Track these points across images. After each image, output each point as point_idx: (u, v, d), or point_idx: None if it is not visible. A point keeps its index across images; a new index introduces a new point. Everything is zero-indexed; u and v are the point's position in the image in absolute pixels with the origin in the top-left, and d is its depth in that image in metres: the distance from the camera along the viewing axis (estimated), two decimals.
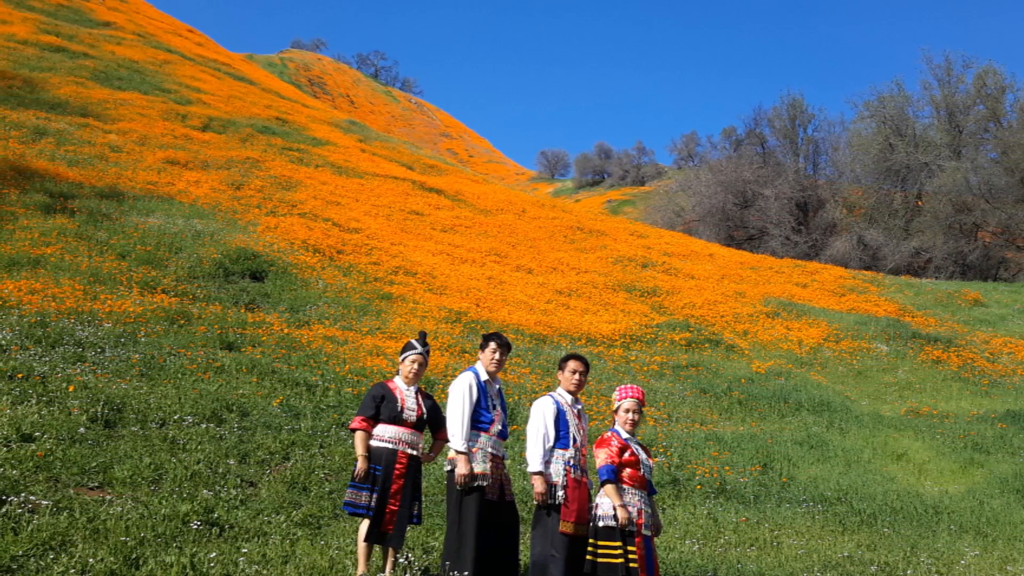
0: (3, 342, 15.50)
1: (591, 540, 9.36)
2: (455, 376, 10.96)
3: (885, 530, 15.33)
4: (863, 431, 22.77)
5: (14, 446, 11.36)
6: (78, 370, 15.15)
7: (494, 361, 10.13)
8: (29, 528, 9.28)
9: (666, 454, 18.48)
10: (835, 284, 48.56)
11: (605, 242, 49.03)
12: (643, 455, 9.78)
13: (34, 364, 14.78)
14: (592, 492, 9.97)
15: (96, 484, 11.07)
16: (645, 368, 26.96)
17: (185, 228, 27.14)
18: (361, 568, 9.61)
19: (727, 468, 18.13)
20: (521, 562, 10.13)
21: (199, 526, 10.28)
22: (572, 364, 10.10)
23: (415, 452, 10.00)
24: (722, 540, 13.94)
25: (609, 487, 9.37)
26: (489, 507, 9.63)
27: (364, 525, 9.67)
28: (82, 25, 60.87)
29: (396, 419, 9.93)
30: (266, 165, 41.16)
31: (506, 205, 53.57)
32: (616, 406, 9.91)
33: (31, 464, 10.91)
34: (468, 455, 9.62)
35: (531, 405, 10.25)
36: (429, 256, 34.58)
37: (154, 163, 35.66)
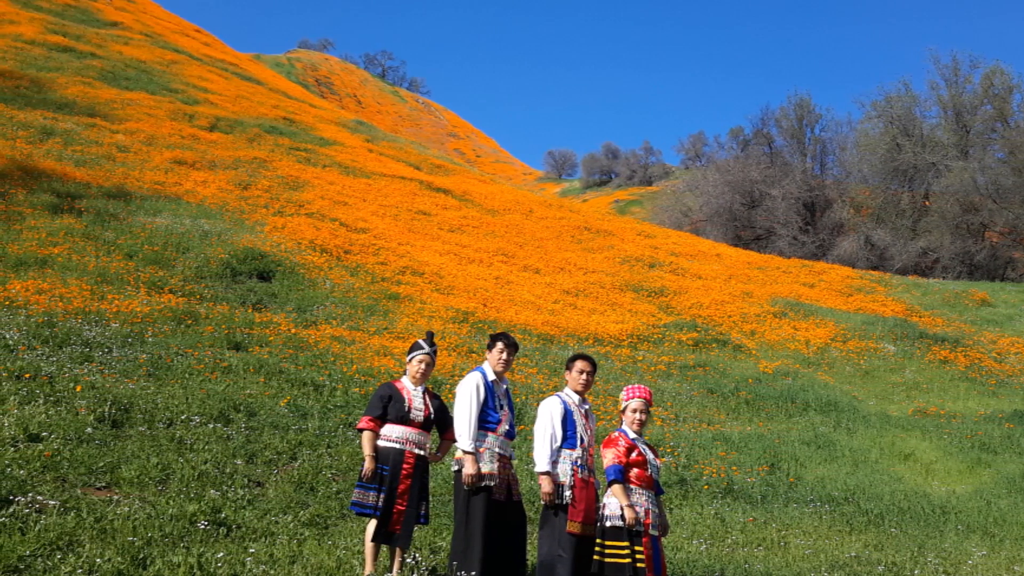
0: (10, 342, 15.50)
1: (598, 540, 9.35)
2: (462, 376, 10.97)
3: (892, 530, 15.31)
4: (870, 431, 22.75)
5: (21, 446, 11.36)
6: (85, 370, 15.15)
7: (501, 361, 10.12)
8: (36, 528, 9.27)
9: (673, 454, 18.48)
10: (842, 284, 48.54)
11: (612, 242, 49.01)
12: (650, 455, 9.77)
13: (41, 364, 14.78)
14: (599, 492, 9.95)
15: (103, 484, 11.07)
16: (652, 368, 26.95)
17: (192, 228, 27.16)
18: (368, 568, 9.60)
19: (734, 468, 18.13)
20: (528, 562, 10.12)
21: (206, 526, 10.27)
22: (579, 364, 10.09)
23: (422, 452, 10.00)
24: (729, 540, 13.93)
25: (616, 487, 9.37)
26: (496, 507, 9.63)
27: (371, 525, 9.66)
28: (89, 25, 60.93)
29: (403, 419, 9.92)
30: (273, 165, 41.18)
31: (513, 205, 53.55)
32: (623, 406, 9.91)
33: (38, 464, 10.92)
34: (475, 455, 9.62)
35: (538, 405, 10.24)
36: (436, 256, 34.58)
37: (161, 163, 35.69)
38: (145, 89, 49.31)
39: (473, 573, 9.22)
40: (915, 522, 15.91)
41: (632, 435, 9.70)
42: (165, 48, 63.48)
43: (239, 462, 12.77)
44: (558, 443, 9.73)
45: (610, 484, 9.43)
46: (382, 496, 9.65)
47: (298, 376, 17.54)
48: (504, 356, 10.13)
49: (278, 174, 39.43)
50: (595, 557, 9.28)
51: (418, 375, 10.19)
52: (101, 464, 11.45)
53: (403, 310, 25.54)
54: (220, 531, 10.30)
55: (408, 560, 9.76)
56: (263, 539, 10.37)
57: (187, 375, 16.15)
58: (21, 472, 10.53)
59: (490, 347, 10.25)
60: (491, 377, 10.08)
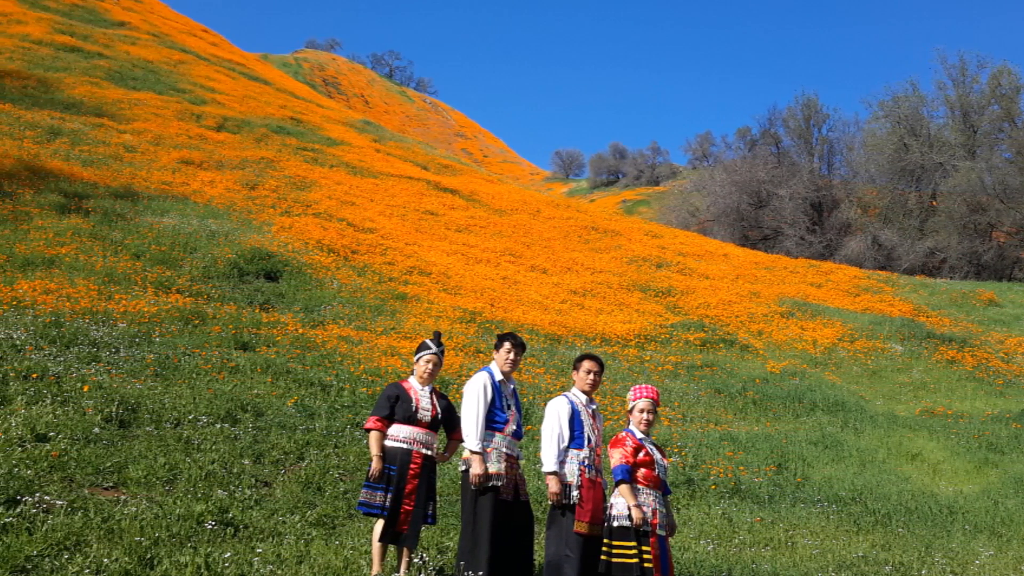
0: (18, 342, 15.52)
1: (605, 540, 9.34)
2: (470, 376, 10.95)
3: (900, 530, 15.30)
4: (878, 431, 22.73)
5: (28, 446, 11.37)
6: (92, 370, 15.17)
7: (508, 361, 10.11)
8: (44, 528, 9.28)
9: (681, 454, 18.46)
10: (850, 284, 48.53)
11: (620, 242, 49.02)
12: (657, 455, 9.77)
13: (49, 364, 14.80)
14: (607, 492, 9.95)
15: (110, 484, 11.08)
16: (660, 368, 26.95)
17: (200, 228, 27.19)
18: (376, 568, 9.60)
19: (742, 468, 18.11)
20: (536, 562, 10.11)
21: (213, 526, 10.28)
22: (586, 364, 10.08)
23: (430, 452, 9.99)
24: (737, 540, 13.92)
25: (624, 487, 9.36)
26: (503, 507, 9.62)
27: (379, 525, 9.66)
28: (97, 25, 61.01)
29: (411, 419, 9.92)
30: (281, 165, 41.22)
31: (521, 205, 53.58)
32: (631, 406, 9.89)
33: (45, 464, 10.92)
34: (482, 455, 9.62)
35: (545, 405, 10.24)
36: (444, 256, 34.59)
37: (169, 163, 35.74)
38: (152, 89, 49.39)
39: (480, 573, 9.21)
40: (922, 522, 15.89)
41: (639, 435, 9.70)
42: (172, 48, 63.56)
43: (246, 462, 12.77)
44: (565, 443, 9.72)
45: (617, 484, 9.42)
46: (389, 496, 9.65)
47: (305, 376, 17.55)
48: (511, 356, 10.12)
49: (285, 174, 39.46)
50: (602, 557, 9.27)
51: (425, 375, 10.18)
52: (108, 464, 11.46)
53: (410, 310, 25.55)
54: (227, 531, 10.30)
55: (415, 560, 9.76)
56: (270, 539, 10.37)
57: (194, 375, 16.17)
58: (28, 472, 10.53)
59: (497, 347, 10.24)
60: (498, 377, 10.08)
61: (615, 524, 9.31)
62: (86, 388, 13.89)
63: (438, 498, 11.13)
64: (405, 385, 10.18)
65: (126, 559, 8.90)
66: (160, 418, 13.62)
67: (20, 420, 12.05)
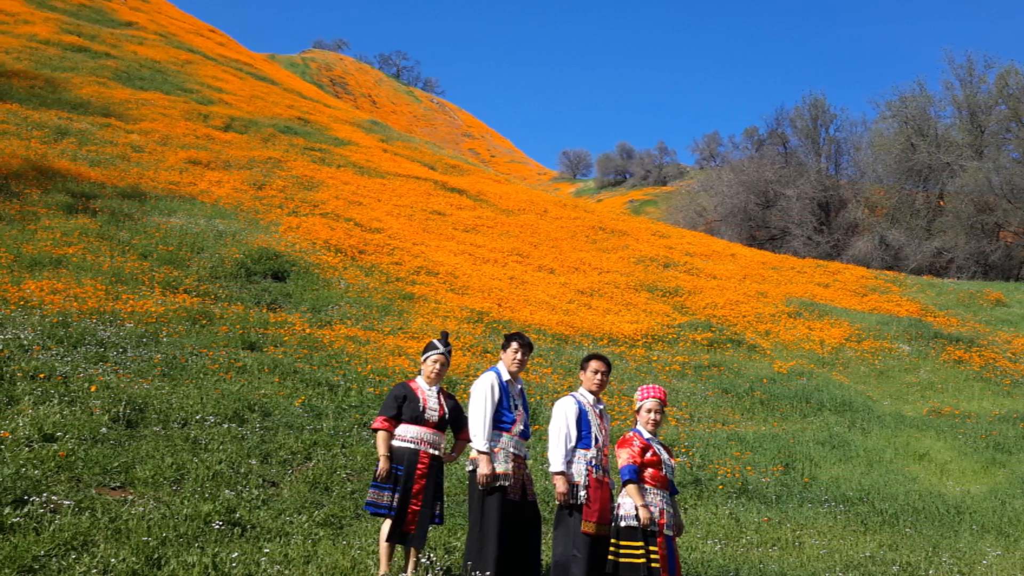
0: (25, 342, 15.53)
1: (613, 540, 9.36)
2: (477, 376, 10.95)
3: (907, 530, 15.30)
4: (885, 431, 22.73)
5: (36, 446, 11.38)
6: (100, 370, 15.17)
7: (516, 361, 10.12)
8: (51, 528, 9.29)
9: (688, 454, 18.46)
10: (857, 284, 48.47)
11: (627, 242, 48.99)
12: (665, 455, 9.77)
13: (56, 364, 14.80)
14: (614, 492, 9.95)
15: (118, 484, 11.09)
16: (667, 368, 26.93)
17: (207, 228, 27.20)
18: (383, 568, 9.61)
19: (749, 468, 18.11)
20: (543, 562, 10.12)
21: (221, 526, 10.29)
22: (594, 364, 10.09)
23: (437, 452, 10.00)
24: (744, 540, 13.92)
25: (631, 487, 9.37)
26: (511, 507, 9.63)
27: (386, 525, 9.67)
28: (104, 25, 61.07)
29: (418, 419, 9.93)
30: (288, 165, 41.22)
31: (528, 205, 53.56)
32: (638, 406, 9.91)
33: (53, 464, 10.93)
34: (490, 455, 9.62)
35: (553, 405, 10.24)
36: (451, 256, 34.58)
37: (176, 163, 35.75)
38: (160, 89, 49.42)
39: (488, 573, 9.22)
40: (930, 522, 15.89)
41: (647, 435, 9.70)
42: (180, 48, 63.61)
43: (254, 462, 12.78)
44: (573, 443, 9.73)
45: (624, 484, 9.43)
46: (397, 496, 9.66)
47: (313, 376, 17.55)
48: (519, 356, 10.13)
49: (293, 174, 39.47)
50: (609, 557, 9.28)
51: (433, 375, 10.19)
52: (116, 464, 11.47)
53: (418, 310, 25.55)
54: (235, 531, 10.32)
55: (423, 560, 9.76)
56: (278, 539, 10.38)
57: (202, 375, 16.17)
58: (36, 472, 10.54)
59: (504, 347, 10.25)
60: (506, 377, 10.09)
61: (622, 524, 9.32)
62: (93, 388, 13.90)
63: (445, 498, 11.15)
64: (412, 385, 10.19)
65: (133, 559, 8.91)
66: (167, 418, 13.63)
67: (27, 420, 12.06)
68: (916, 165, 75.83)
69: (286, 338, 20.09)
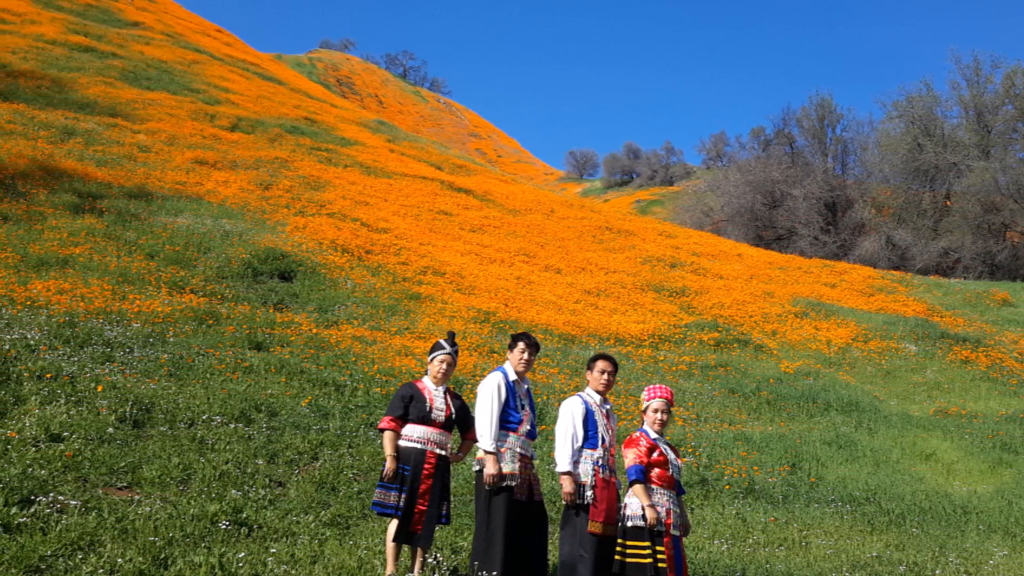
0: (32, 342, 15.54)
1: (619, 540, 9.34)
2: (484, 376, 10.94)
3: (914, 530, 15.28)
4: (891, 431, 22.71)
5: (43, 446, 11.39)
6: (107, 370, 15.18)
7: (522, 361, 10.11)
8: (58, 528, 9.29)
9: (695, 454, 18.46)
10: (864, 284, 48.43)
11: (634, 242, 48.99)
12: (672, 455, 9.76)
13: (63, 364, 14.81)
14: (621, 492, 9.95)
15: (125, 484, 11.09)
16: (674, 368, 26.92)
17: (214, 228, 27.22)
18: (390, 568, 9.60)
19: (756, 468, 18.10)
20: (549, 562, 10.11)
21: (227, 526, 10.29)
22: (600, 364, 10.08)
23: (443, 452, 9.99)
24: (751, 540, 13.91)
25: (638, 487, 9.35)
26: (518, 507, 9.62)
27: (393, 525, 9.66)
28: (111, 25, 61.15)
29: (425, 419, 9.92)
30: (295, 165, 41.25)
31: (535, 205, 53.56)
32: (645, 406, 9.89)
33: (60, 464, 10.94)
34: (496, 455, 9.62)
35: (560, 405, 10.23)
36: (458, 256, 34.59)
37: (183, 163, 35.78)
38: (166, 89, 49.48)
39: (495, 573, 9.21)
40: (936, 522, 15.89)
41: (653, 435, 9.69)
42: (186, 48, 63.68)
43: (260, 462, 12.79)
44: (579, 443, 9.72)
45: (631, 484, 9.41)
46: (403, 496, 9.65)
47: (319, 376, 17.56)
48: (525, 356, 10.12)
49: (299, 174, 39.49)
50: (616, 557, 9.27)
51: (439, 375, 10.19)
52: (122, 464, 11.48)
53: (424, 310, 25.56)
54: (241, 531, 10.31)
55: (429, 560, 9.77)
56: (284, 539, 10.38)
57: (208, 375, 16.19)
58: (42, 472, 10.55)
59: (511, 347, 10.24)
60: (512, 377, 10.08)
61: (629, 524, 9.31)
62: (100, 388, 13.91)
63: (452, 498, 11.13)
64: (419, 385, 10.19)
65: (140, 559, 8.91)
66: (174, 418, 13.64)
67: (34, 420, 12.07)
68: (923, 165, 75.79)
69: (293, 338, 20.10)
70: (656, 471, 9.51)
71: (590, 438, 9.76)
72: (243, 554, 9.51)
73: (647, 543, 9.18)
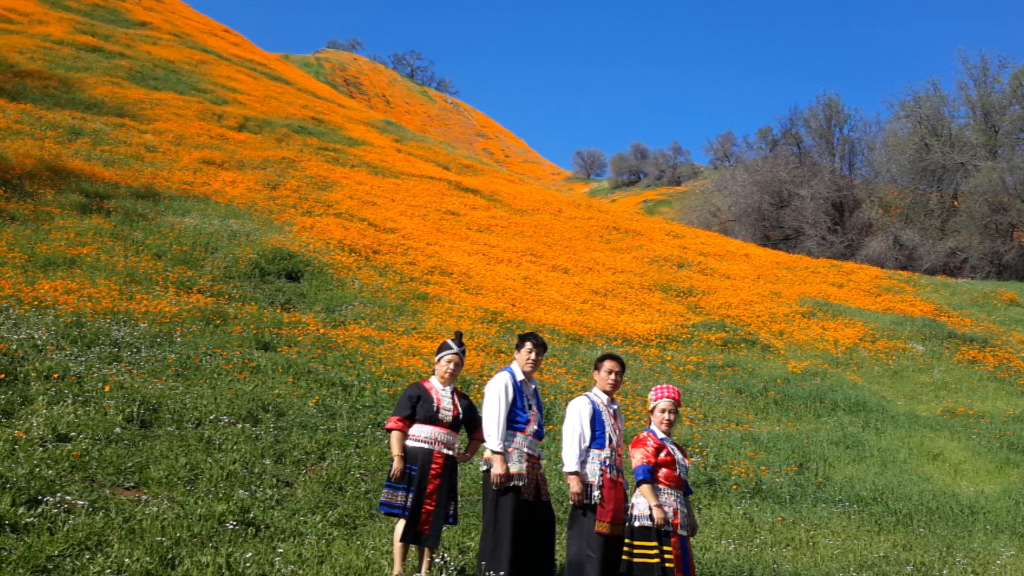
0: (39, 342, 15.54)
1: (627, 540, 9.35)
2: (491, 376, 10.94)
3: (921, 530, 15.28)
4: (899, 431, 22.69)
5: (50, 446, 11.38)
6: (114, 370, 15.18)
7: (530, 361, 10.12)
8: (65, 528, 9.29)
9: (702, 454, 18.46)
10: (871, 284, 48.39)
11: (641, 242, 48.96)
12: (679, 455, 9.76)
13: (70, 364, 14.81)
14: (628, 492, 9.94)
15: (132, 484, 11.09)
16: (681, 368, 26.92)
17: (221, 228, 27.22)
18: (397, 568, 9.60)
19: (763, 468, 18.10)
20: (557, 562, 10.11)
21: (235, 526, 10.28)
22: (608, 364, 10.08)
23: (451, 452, 9.99)
24: (758, 540, 13.91)
25: (645, 487, 9.35)
26: (525, 507, 9.62)
27: (400, 525, 9.67)
28: (118, 25, 61.20)
29: (432, 419, 9.92)
30: (302, 165, 41.25)
31: (542, 205, 53.55)
32: (652, 406, 9.90)
33: (67, 464, 10.93)
34: (504, 455, 9.62)
35: (567, 405, 10.23)
36: (465, 256, 34.59)
37: (190, 163, 35.80)
38: (174, 89, 49.51)
39: (502, 573, 9.21)
40: (943, 522, 15.88)
41: (661, 435, 9.69)
42: (194, 48, 63.72)
43: (268, 462, 12.79)
44: (587, 443, 9.73)
45: (639, 484, 9.42)
46: (411, 496, 9.66)
47: (327, 376, 17.56)
48: (532, 356, 10.13)
49: (307, 174, 39.50)
50: (624, 557, 9.27)
51: (447, 375, 10.19)
52: (130, 464, 11.48)
53: (432, 310, 25.56)
54: (249, 531, 10.31)
55: (437, 560, 9.76)
56: (292, 539, 10.37)
57: (215, 375, 16.19)
58: (50, 472, 10.55)
59: (519, 347, 10.25)
60: (520, 377, 10.08)
61: (636, 524, 9.31)
62: (107, 388, 13.91)
63: (459, 498, 11.12)
64: (426, 385, 10.19)
65: (147, 559, 8.91)
66: (181, 418, 13.64)
67: (41, 420, 12.06)
68: (930, 165, 75.65)
69: (300, 338, 20.10)
70: (663, 471, 9.52)
71: (597, 438, 9.77)
72: (250, 554, 9.51)
73: (654, 543, 9.19)
